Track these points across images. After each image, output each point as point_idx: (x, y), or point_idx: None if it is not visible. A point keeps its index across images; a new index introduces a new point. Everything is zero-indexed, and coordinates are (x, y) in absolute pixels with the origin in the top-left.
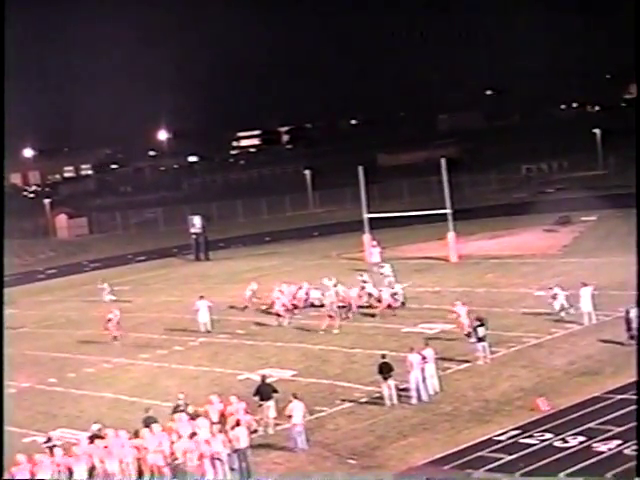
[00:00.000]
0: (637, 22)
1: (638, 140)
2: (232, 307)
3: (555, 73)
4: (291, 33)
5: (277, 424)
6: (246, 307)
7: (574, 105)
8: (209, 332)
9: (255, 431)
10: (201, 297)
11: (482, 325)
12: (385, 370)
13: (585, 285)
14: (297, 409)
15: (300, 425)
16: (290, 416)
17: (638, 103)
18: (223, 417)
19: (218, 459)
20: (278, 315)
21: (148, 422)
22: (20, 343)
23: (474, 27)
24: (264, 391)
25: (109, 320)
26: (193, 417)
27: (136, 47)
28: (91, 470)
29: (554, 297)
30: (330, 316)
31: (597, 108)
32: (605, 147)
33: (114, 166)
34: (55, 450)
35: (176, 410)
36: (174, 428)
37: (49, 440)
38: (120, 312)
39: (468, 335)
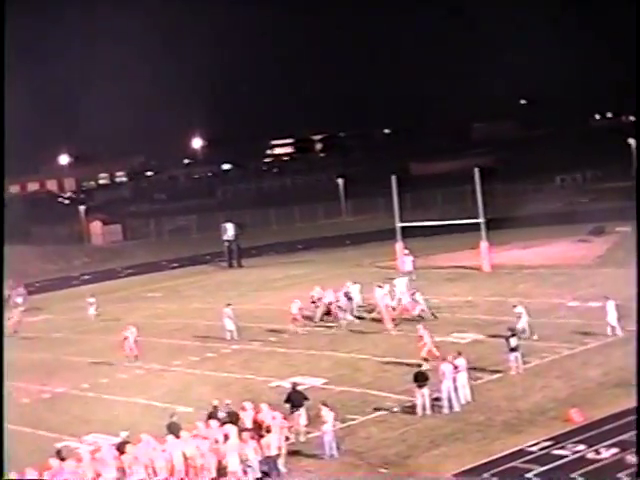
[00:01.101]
0: (638, 26)
1: (638, 146)
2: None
3: (590, 83)
4: (325, 42)
5: (308, 432)
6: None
7: (608, 115)
8: (236, 339)
9: (287, 439)
10: (228, 305)
11: (514, 335)
12: (420, 379)
13: (608, 299)
14: (328, 417)
15: (330, 433)
16: (324, 423)
17: (638, 107)
18: (256, 424)
19: (249, 466)
20: (295, 320)
21: (172, 428)
22: (54, 348)
23: (509, 36)
24: (295, 398)
25: (125, 339)
26: (223, 423)
27: (171, 55)
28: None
29: (518, 317)
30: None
31: (632, 118)
32: (638, 158)
33: (149, 173)
34: (65, 463)
35: (212, 415)
36: (203, 434)
37: (59, 452)
38: (151, 318)
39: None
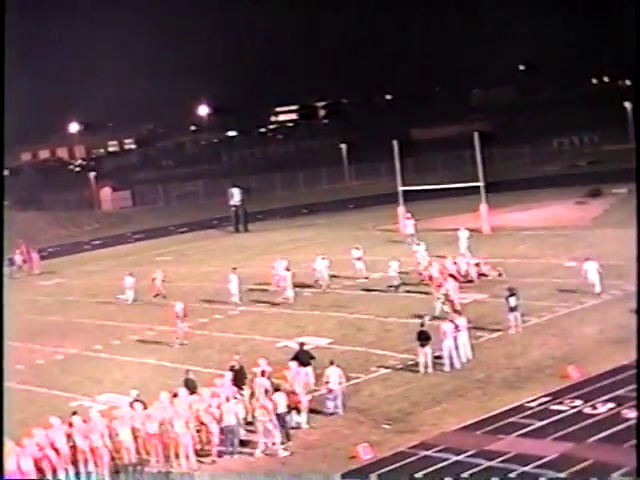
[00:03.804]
0: (638, 19)
1: (637, 133)
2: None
3: (587, 48)
4: (327, 10)
5: (315, 390)
6: None
7: (605, 79)
8: (239, 303)
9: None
10: (234, 269)
11: (514, 295)
12: (423, 337)
13: (588, 260)
14: (333, 375)
15: (336, 391)
16: (327, 382)
17: (638, 101)
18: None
19: (264, 421)
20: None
21: (188, 384)
22: (67, 311)
23: (507, 2)
24: (302, 358)
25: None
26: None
27: (177, 23)
28: (133, 432)
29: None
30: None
31: (628, 82)
32: (636, 121)
33: (156, 141)
34: (74, 421)
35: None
36: (216, 392)
37: (75, 413)
38: (162, 282)
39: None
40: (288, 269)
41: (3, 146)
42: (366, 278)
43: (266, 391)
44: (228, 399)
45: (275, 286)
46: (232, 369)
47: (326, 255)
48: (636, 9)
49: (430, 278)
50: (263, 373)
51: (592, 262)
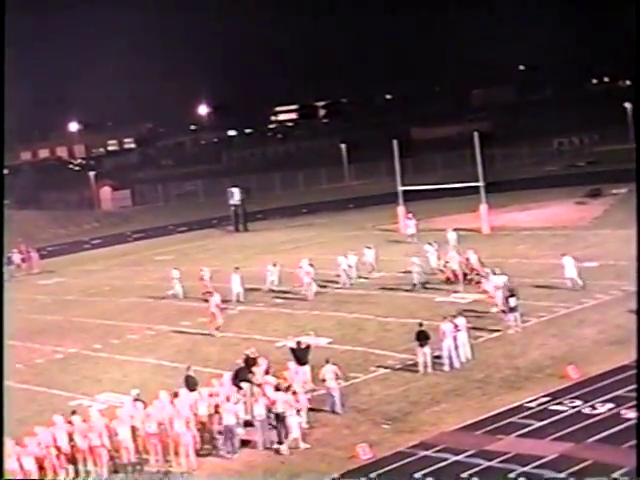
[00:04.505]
0: (638, 19)
1: (637, 133)
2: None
3: (587, 48)
4: (327, 9)
5: (313, 390)
6: None
7: (605, 80)
8: (241, 302)
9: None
10: (236, 268)
11: (513, 295)
12: (422, 337)
13: (565, 255)
14: (329, 373)
15: (333, 389)
16: (324, 380)
17: (637, 101)
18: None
19: (259, 420)
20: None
21: (189, 381)
22: (67, 310)
23: (507, 2)
24: (301, 356)
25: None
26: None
27: (177, 22)
28: (133, 431)
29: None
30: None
31: (628, 82)
32: (636, 120)
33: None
34: (74, 419)
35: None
36: (215, 392)
37: (74, 412)
38: (160, 281)
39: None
40: (312, 266)
41: (3, 145)
42: (366, 278)
43: (277, 388)
44: (228, 399)
45: (299, 284)
46: (246, 360)
47: (354, 252)
48: (636, 9)
49: (455, 275)
50: (267, 371)
51: (568, 257)
